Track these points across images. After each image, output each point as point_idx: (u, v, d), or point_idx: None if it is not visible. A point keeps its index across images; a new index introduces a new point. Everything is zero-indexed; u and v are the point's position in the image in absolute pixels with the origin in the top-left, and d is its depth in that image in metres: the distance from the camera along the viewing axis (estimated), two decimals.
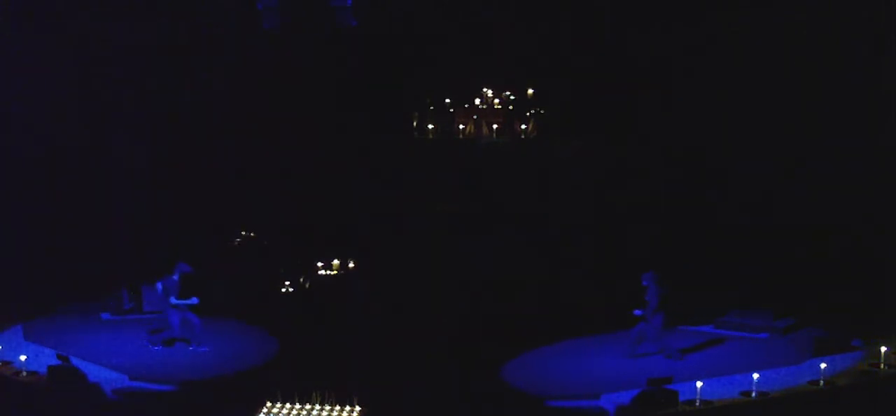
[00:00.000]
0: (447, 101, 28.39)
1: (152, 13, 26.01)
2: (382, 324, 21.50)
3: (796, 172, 24.62)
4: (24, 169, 25.14)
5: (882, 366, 17.97)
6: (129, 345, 20.45)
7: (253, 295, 23.26)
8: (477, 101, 28.46)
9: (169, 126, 26.41)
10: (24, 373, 18.10)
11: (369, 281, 23.81)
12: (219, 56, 26.44)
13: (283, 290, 23.54)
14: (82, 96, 25.65)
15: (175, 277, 20.21)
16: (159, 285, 20.23)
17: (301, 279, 23.88)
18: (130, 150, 26.11)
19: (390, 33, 26.91)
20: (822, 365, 17.43)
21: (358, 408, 16.67)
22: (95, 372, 18.42)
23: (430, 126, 27.90)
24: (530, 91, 28.40)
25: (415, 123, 28.09)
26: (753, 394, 16.93)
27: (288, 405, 16.73)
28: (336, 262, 24.30)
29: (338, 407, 16.68)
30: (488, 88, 28.44)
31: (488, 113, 28.27)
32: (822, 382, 17.34)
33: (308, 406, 16.72)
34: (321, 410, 16.66)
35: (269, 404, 16.77)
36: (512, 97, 28.46)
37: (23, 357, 18.38)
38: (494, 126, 27.88)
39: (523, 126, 27.84)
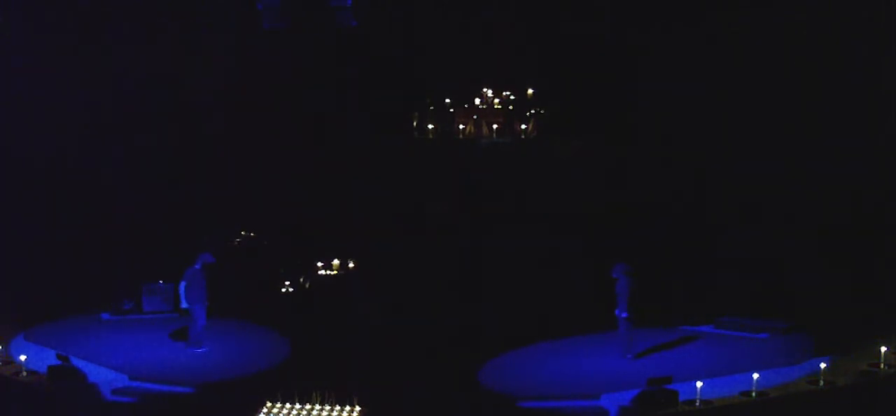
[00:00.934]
0: (447, 101, 28.40)
1: (153, 14, 26.05)
2: (382, 324, 21.48)
3: (796, 173, 24.64)
4: (24, 170, 25.18)
5: (882, 366, 17.98)
6: (129, 345, 20.43)
7: (254, 295, 23.24)
8: (477, 101, 28.47)
9: (169, 126, 26.44)
10: (25, 373, 18.10)
11: (370, 282, 23.78)
12: (219, 56, 26.49)
13: (283, 290, 23.52)
14: (83, 98, 25.68)
15: (197, 266, 20.01)
16: (183, 284, 20.00)
17: (301, 279, 23.87)
18: (130, 151, 26.14)
19: (391, 33, 26.94)
20: (822, 365, 17.44)
21: (358, 408, 16.67)
22: (95, 372, 18.42)
23: (430, 126, 27.91)
24: (530, 91, 28.41)
25: (415, 123, 28.10)
26: (753, 394, 16.94)
27: (288, 405, 16.73)
28: (336, 262, 24.29)
29: (338, 407, 16.69)
30: (488, 88, 28.45)
31: (488, 113, 28.28)
32: (821, 382, 17.35)
33: (308, 406, 16.72)
34: (321, 410, 16.66)
35: (269, 404, 16.77)
36: (512, 97, 28.47)
37: (23, 357, 18.38)
38: (494, 126, 27.88)
39: (523, 126, 27.84)
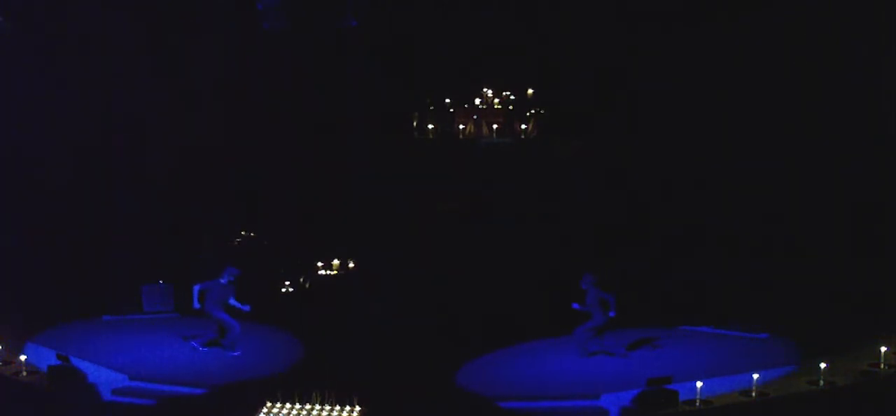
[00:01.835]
0: (447, 101, 28.41)
1: (153, 14, 26.06)
2: (382, 324, 21.49)
3: (796, 173, 24.67)
4: (23, 171, 25.20)
5: (882, 366, 17.99)
6: (129, 345, 20.42)
7: (256, 295, 23.21)
8: (477, 101, 28.48)
9: (169, 127, 26.45)
10: (25, 373, 18.09)
11: (370, 282, 23.79)
12: (219, 56, 26.50)
13: (284, 290, 23.52)
14: (84, 101, 25.69)
15: (223, 281, 19.87)
16: (196, 288, 19.81)
17: (301, 279, 23.87)
18: (130, 152, 26.15)
19: (391, 33, 26.96)
20: (822, 365, 17.45)
21: (358, 408, 16.67)
22: (95, 372, 18.41)
23: (430, 126, 27.91)
24: (530, 91, 28.42)
25: (415, 123, 28.11)
26: (753, 394, 16.95)
27: (288, 405, 16.72)
28: (336, 262, 24.29)
29: (338, 407, 16.68)
30: (488, 88, 28.46)
31: (488, 113, 28.29)
32: (821, 382, 17.35)
33: (308, 406, 16.72)
34: (321, 410, 16.66)
35: (269, 404, 16.77)
36: (512, 97, 28.48)
37: (23, 357, 18.37)
38: (494, 126, 27.89)
39: (523, 126, 27.85)
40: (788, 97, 24.76)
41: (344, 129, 27.02)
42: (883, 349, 18.14)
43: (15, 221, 24.30)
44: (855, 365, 18.14)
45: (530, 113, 28.09)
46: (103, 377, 18.21)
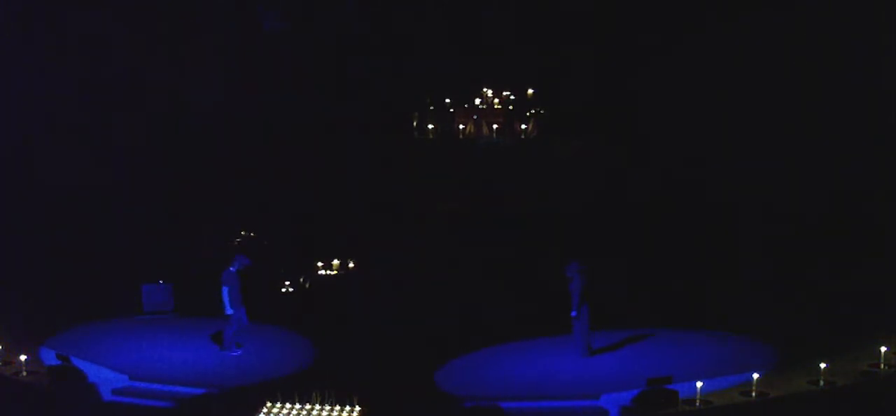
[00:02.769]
0: (447, 101, 28.41)
1: (153, 15, 26.08)
2: (382, 323, 21.49)
3: (796, 173, 24.68)
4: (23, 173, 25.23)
5: (882, 366, 17.99)
6: (129, 345, 20.41)
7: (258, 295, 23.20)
8: (477, 101, 28.49)
9: (169, 128, 26.46)
10: (25, 373, 18.10)
11: (371, 282, 23.79)
12: (219, 57, 26.52)
13: (284, 290, 23.52)
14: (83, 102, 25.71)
15: (233, 269, 19.74)
16: (226, 289, 19.63)
17: (301, 279, 23.86)
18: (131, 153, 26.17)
19: (390, 33, 26.98)
20: (822, 366, 17.45)
21: (358, 408, 16.67)
22: (95, 372, 18.41)
23: (430, 126, 27.91)
24: (530, 91, 28.42)
25: (415, 123, 28.11)
26: (753, 394, 16.95)
27: (288, 405, 16.73)
28: (336, 262, 24.29)
29: (338, 407, 16.68)
30: (488, 88, 28.47)
31: (488, 113, 28.29)
32: (821, 382, 17.35)
33: (308, 406, 16.72)
34: (321, 410, 16.66)
35: (269, 404, 16.77)
36: (512, 97, 28.48)
37: (23, 357, 18.37)
38: (494, 126, 27.89)
39: (523, 126, 27.85)
40: (788, 97, 24.77)
41: (344, 128, 27.05)
42: (883, 349, 18.14)
43: (15, 221, 24.32)
44: (855, 365, 18.14)
45: (530, 113, 28.09)
46: (103, 377, 18.22)
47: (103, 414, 17.34)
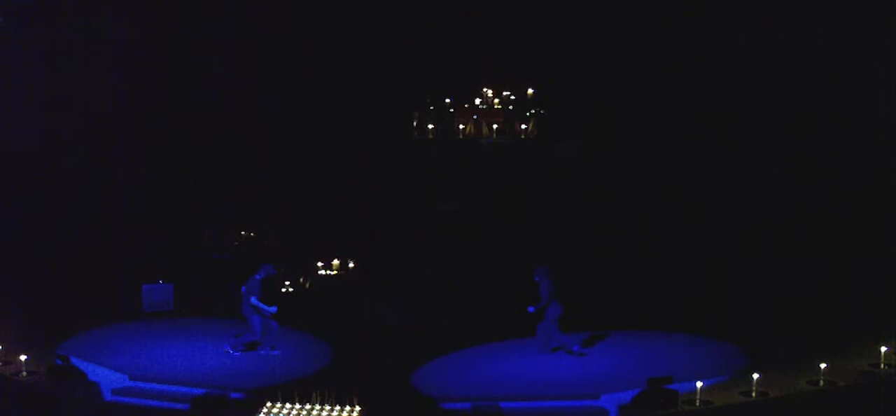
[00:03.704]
0: (447, 101, 28.38)
1: (153, 16, 26.06)
2: (382, 323, 21.50)
3: (795, 173, 24.67)
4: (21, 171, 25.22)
5: (882, 366, 17.99)
6: (129, 345, 20.41)
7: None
8: (477, 101, 28.46)
9: (169, 128, 26.45)
10: (25, 373, 18.09)
11: (375, 283, 23.78)
12: (219, 57, 26.50)
13: (284, 290, 23.52)
14: (82, 102, 25.67)
15: (258, 277, 19.71)
16: (254, 299, 19.62)
17: (301, 279, 23.87)
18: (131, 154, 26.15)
19: (390, 33, 26.95)
20: (822, 366, 17.45)
21: (358, 408, 16.67)
22: (95, 372, 18.40)
23: (430, 126, 27.89)
24: (530, 91, 28.40)
25: (415, 123, 28.07)
26: (753, 394, 16.95)
27: (288, 405, 16.72)
28: (336, 262, 24.29)
29: (338, 407, 16.68)
30: (488, 88, 28.44)
31: (488, 113, 28.26)
32: (821, 382, 17.35)
33: (308, 406, 16.71)
34: (321, 410, 16.66)
35: (269, 404, 16.77)
36: (512, 97, 28.46)
37: (23, 357, 18.36)
38: (494, 126, 27.87)
39: (523, 126, 27.82)
40: (788, 97, 24.76)
41: (344, 128, 27.03)
42: (883, 349, 18.15)
43: (15, 221, 24.32)
44: (855, 365, 18.13)
45: (530, 113, 28.06)
46: (103, 377, 18.21)
47: (103, 414, 17.34)
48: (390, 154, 26.88)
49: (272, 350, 19.77)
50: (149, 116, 26.26)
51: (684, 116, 25.74)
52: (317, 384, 17.46)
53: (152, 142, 26.18)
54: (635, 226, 25.04)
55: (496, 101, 28.45)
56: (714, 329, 20.82)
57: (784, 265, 23.52)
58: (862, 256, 22.99)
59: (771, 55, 24.88)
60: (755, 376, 17.06)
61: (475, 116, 28.12)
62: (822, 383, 17.34)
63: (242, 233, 26.19)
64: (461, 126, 28.05)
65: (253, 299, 19.59)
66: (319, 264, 24.20)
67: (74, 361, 18.28)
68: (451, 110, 28.36)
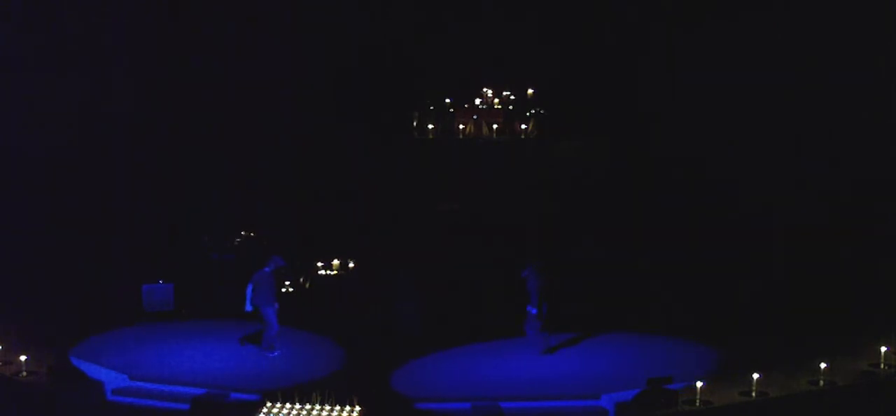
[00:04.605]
0: (447, 101, 28.41)
1: (153, 17, 26.08)
2: (382, 323, 21.49)
3: (795, 173, 24.69)
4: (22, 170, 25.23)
5: (882, 366, 18.00)
6: (130, 345, 20.39)
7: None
8: (477, 101, 28.49)
9: (169, 129, 26.49)
10: (25, 373, 18.10)
11: (371, 282, 23.77)
12: (218, 58, 26.53)
13: (284, 290, 23.50)
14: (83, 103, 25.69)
15: (267, 270, 19.52)
16: (250, 287, 19.39)
17: (301, 279, 23.85)
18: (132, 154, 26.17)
19: (390, 33, 26.99)
20: (822, 366, 17.46)
21: (358, 408, 16.67)
22: (95, 372, 18.40)
23: (430, 126, 27.91)
24: (530, 91, 28.43)
25: (415, 123, 28.10)
26: (753, 394, 16.95)
27: (288, 405, 16.73)
28: (336, 262, 24.28)
29: (338, 407, 16.69)
30: (488, 87, 28.48)
31: (488, 113, 28.29)
32: (821, 382, 17.36)
33: (308, 406, 16.72)
34: (321, 410, 16.66)
35: (269, 404, 16.77)
36: (512, 97, 28.49)
37: (23, 357, 18.36)
38: (494, 126, 27.89)
39: (523, 126, 27.85)
40: (788, 97, 24.78)
41: (344, 128, 27.06)
42: (883, 349, 18.15)
43: (14, 222, 24.32)
44: (855, 365, 18.14)
45: (530, 113, 28.09)
46: (103, 377, 18.20)
47: (103, 414, 17.34)
48: (390, 154, 26.92)
49: (272, 351, 19.72)
50: (148, 116, 26.29)
51: (684, 116, 25.77)
52: (317, 384, 17.45)
53: (152, 142, 26.20)
54: (635, 226, 25.03)
55: (496, 101, 28.49)
56: (713, 330, 20.80)
57: (784, 266, 23.51)
58: (861, 256, 23.00)
59: (771, 55, 24.92)
60: (755, 376, 17.07)
61: (475, 116, 28.15)
62: (822, 383, 17.35)
63: (242, 233, 26.18)
64: (461, 126, 28.08)
65: (248, 291, 19.32)
66: (319, 264, 24.19)
67: (74, 361, 18.26)
68: (451, 110, 28.41)
